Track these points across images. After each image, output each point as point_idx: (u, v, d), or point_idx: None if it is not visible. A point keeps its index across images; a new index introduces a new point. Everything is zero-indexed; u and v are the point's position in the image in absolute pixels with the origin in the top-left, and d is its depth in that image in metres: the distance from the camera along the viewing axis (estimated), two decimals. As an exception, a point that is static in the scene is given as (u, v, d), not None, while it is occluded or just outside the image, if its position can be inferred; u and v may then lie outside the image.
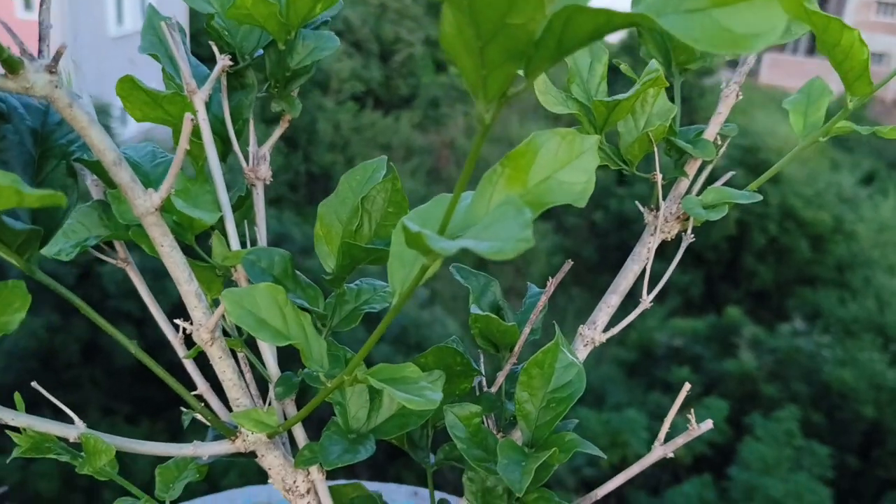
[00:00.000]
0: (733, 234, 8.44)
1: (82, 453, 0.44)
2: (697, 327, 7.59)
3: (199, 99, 0.49)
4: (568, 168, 0.40)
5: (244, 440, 0.49)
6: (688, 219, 0.53)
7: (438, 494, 0.77)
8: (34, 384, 0.45)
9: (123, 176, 0.41)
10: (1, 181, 0.31)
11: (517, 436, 0.50)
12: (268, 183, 0.56)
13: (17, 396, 0.42)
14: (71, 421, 0.44)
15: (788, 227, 8.63)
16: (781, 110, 0.53)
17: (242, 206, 0.54)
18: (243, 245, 0.52)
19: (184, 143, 0.41)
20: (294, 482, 0.51)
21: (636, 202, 0.55)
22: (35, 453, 0.43)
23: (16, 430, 0.42)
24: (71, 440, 0.43)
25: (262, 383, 0.54)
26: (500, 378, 0.54)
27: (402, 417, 0.50)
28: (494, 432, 0.52)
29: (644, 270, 0.53)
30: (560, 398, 0.48)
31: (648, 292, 0.52)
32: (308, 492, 0.52)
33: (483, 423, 0.48)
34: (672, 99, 0.54)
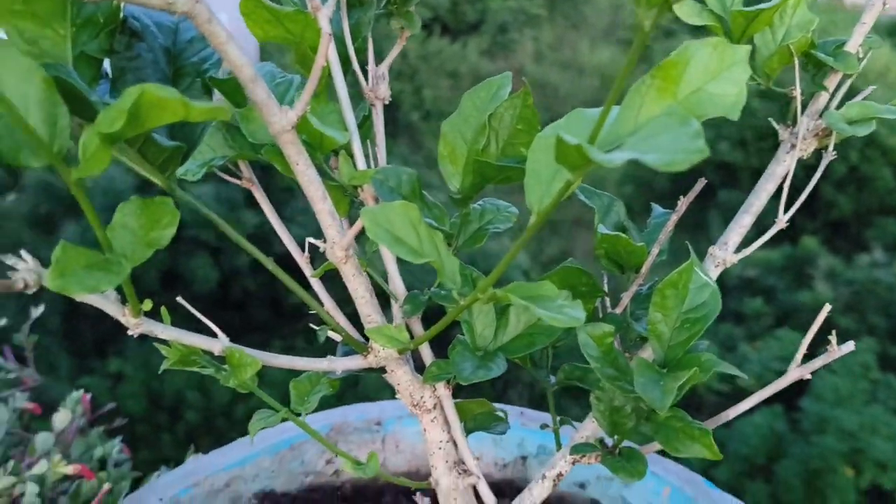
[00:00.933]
0: (810, 162, 8.13)
1: (225, 366, 0.45)
2: (772, 258, 7.41)
3: (324, 16, 0.48)
4: (719, 79, 0.38)
5: (375, 356, 0.49)
6: (827, 135, 0.50)
7: (544, 414, 0.77)
8: (179, 299, 0.46)
9: (260, 93, 0.41)
10: (169, 95, 0.31)
11: (646, 356, 0.49)
12: (386, 103, 0.56)
13: (163, 311, 0.44)
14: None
15: (871, 154, 8.28)
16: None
17: (363, 127, 0.54)
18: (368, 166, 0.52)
19: (321, 60, 0.41)
20: (422, 398, 0.52)
21: (770, 119, 0.53)
22: (182, 365, 0.44)
23: (164, 342, 0.44)
24: (216, 353, 0.44)
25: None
26: (626, 299, 0.53)
27: (528, 337, 0.50)
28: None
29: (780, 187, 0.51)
30: (694, 318, 0.47)
31: (785, 211, 0.50)
32: (434, 407, 0.52)
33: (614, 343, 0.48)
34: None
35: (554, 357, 0.59)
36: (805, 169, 0.56)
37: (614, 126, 0.38)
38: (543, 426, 0.59)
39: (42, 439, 0.81)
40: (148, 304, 0.40)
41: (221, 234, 0.51)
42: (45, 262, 0.36)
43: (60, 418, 0.83)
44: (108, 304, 0.40)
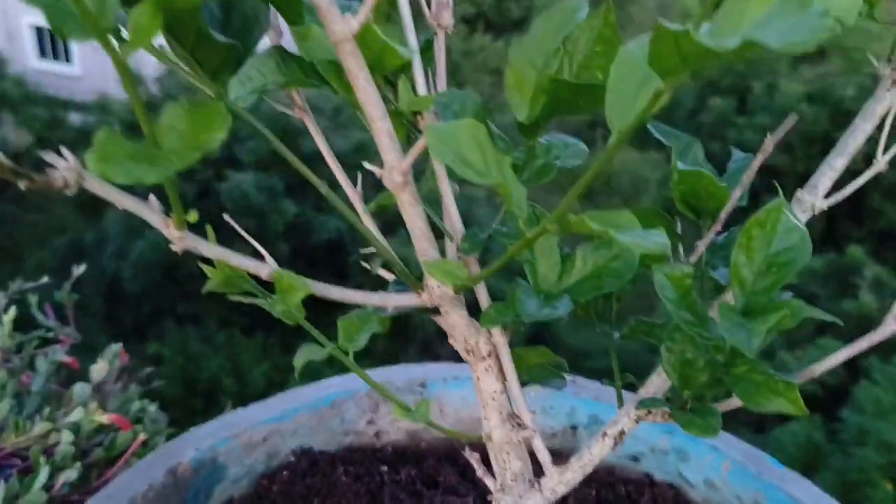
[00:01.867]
0: (860, 169, 7.96)
1: (273, 296, 0.42)
2: (814, 265, 7.26)
3: (388, -71, 0.45)
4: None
5: (430, 294, 0.46)
6: (930, 72, 0.46)
7: (596, 383, 0.74)
8: (226, 216, 0.43)
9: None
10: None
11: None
12: (449, 32, 0.52)
13: (208, 229, 0.41)
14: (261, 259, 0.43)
15: (922, 163, 8.07)
16: None
17: (425, 55, 0.51)
18: (428, 93, 0.49)
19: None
20: (476, 343, 0.48)
21: (867, 54, 0.48)
22: (225, 288, 0.41)
23: (209, 263, 0.41)
24: (263, 277, 0.41)
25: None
26: (702, 246, 0.49)
27: (596, 279, 0.46)
28: (697, 301, 0.47)
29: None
30: (781, 263, 0.43)
31: (884, 153, 0.46)
32: (489, 355, 0.49)
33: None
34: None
35: (617, 315, 0.55)
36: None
37: (714, 30, 0.34)
38: (606, 382, 0.55)
39: (79, 389, 0.79)
40: (193, 216, 0.38)
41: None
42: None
43: (98, 370, 0.81)
44: (149, 212, 0.37)
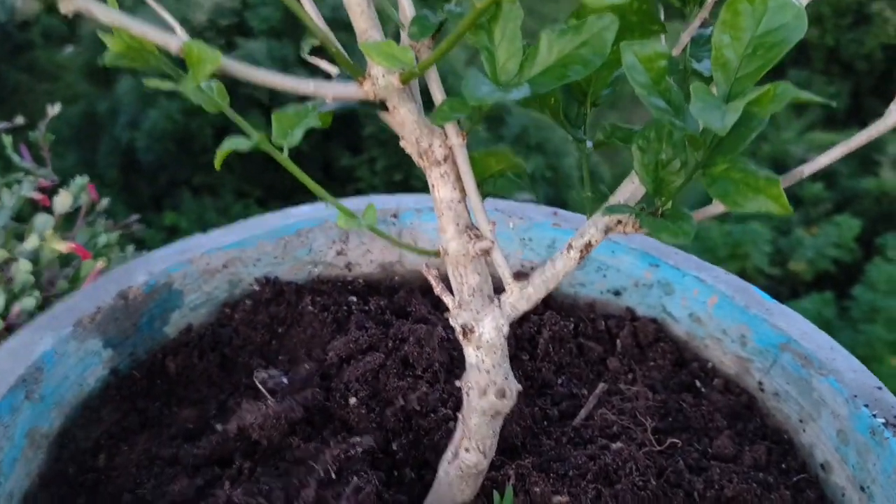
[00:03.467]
0: (891, 43, 7.64)
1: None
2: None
3: None
4: None
5: (374, 83, 0.41)
6: None
7: (579, 216, 0.69)
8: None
9: None
10: None
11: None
12: None
13: (110, -5, 0.35)
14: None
15: (957, 37, 7.73)
16: None
17: None
18: None
19: None
20: (430, 146, 0.44)
21: None
22: (129, 61, 0.36)
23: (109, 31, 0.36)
24: (172, 52, 0.36)
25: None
26: (685, 38, 0.44)
27: (560, 69, 0.41)
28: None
29: None
30: (770, 44, 0.37)
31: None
32: (445, 159, 0.44)
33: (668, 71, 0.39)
34: None
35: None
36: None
37: None
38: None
39: (41, 221, 0.75)
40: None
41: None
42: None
43: (61, 201, 0.78)
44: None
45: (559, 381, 0.60)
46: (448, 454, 0.49)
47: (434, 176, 0.45)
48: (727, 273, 0.63)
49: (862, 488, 0.51)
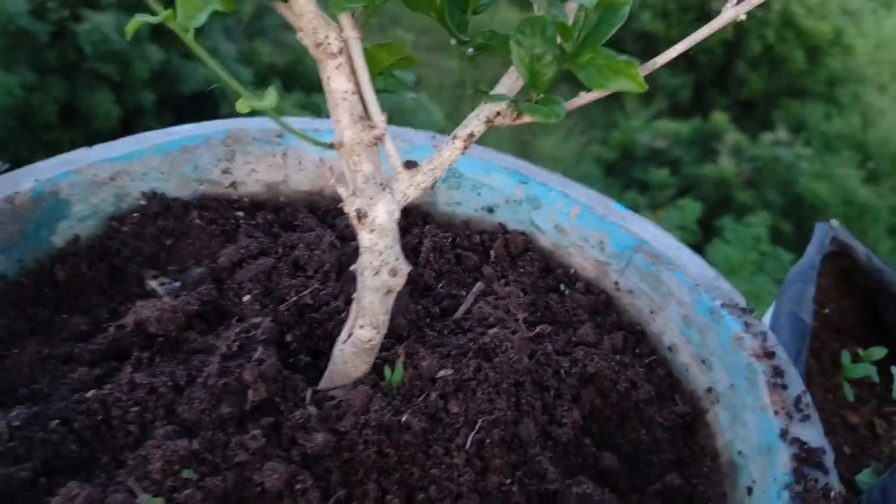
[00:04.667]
0: (730, 39, 8.19)
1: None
2: (681, 130, 7.52)
3: None
4: None
5: (275, -28, 0.44)
6: None
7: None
8: None
9: None
10: None
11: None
12: None
13: None
14: None
15: (786, 35, 8.36)
16: None
17: None
18: None
19: None
20: (326, 38, 0.47)
21: None
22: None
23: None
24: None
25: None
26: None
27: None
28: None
29: None
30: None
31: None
32: (340, 52, 0.48)
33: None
34: None
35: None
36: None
37: None
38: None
39: None
40: None
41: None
42: None
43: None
44: None
45: (440, 284, 0.65)
46: (343, 335, 0.52)
47: (329, 68, 0.48)
48: (588, 188, 0.70)
49: (703, 361, 0.59)
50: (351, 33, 0.48)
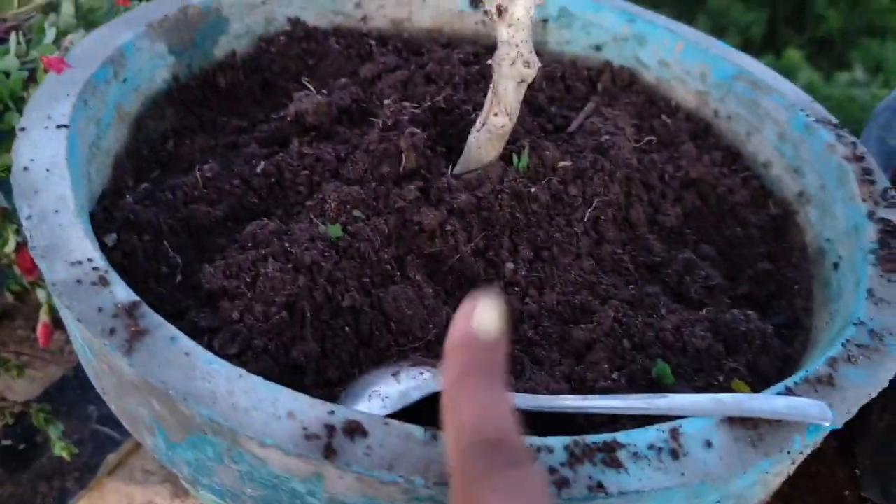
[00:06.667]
0: (807, -25, 7.90)
1: None
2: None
3: None
4: None
5: None
6: None
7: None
8: None
9: None
10: None
11: None
12: None
13: None
14: None
15: (869, -30, 8.07)
16: None
17: None
18: None
19: None
20: None
21: None
22: None
23: None
24: None
25: None
26: None
27: None
28: None
29: None
30: None
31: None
32: None
33: None
34: None
35: None
36: None
37: None
38: None
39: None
40: None
41: None
42: None
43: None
44: None
45: (552, 107, 0.72)
46: (477, 124, 0.60)
47: None
48: (691, 28, 0.75)
49: (795, 170, 0.65)
50: None
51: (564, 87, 0.75)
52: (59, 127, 0.52)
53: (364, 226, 0.52)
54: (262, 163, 0.58)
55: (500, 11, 0.57)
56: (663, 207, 0.63)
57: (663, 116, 0.74)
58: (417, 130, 0.58)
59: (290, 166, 0.57)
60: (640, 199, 0.62)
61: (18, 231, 0.68)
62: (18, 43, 0.73)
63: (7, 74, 0.73)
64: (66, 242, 0.44)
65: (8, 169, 0.61)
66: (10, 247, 0.67)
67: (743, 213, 0.64)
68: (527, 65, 0.58)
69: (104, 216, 0.53)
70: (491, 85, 0.59)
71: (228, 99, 0.69)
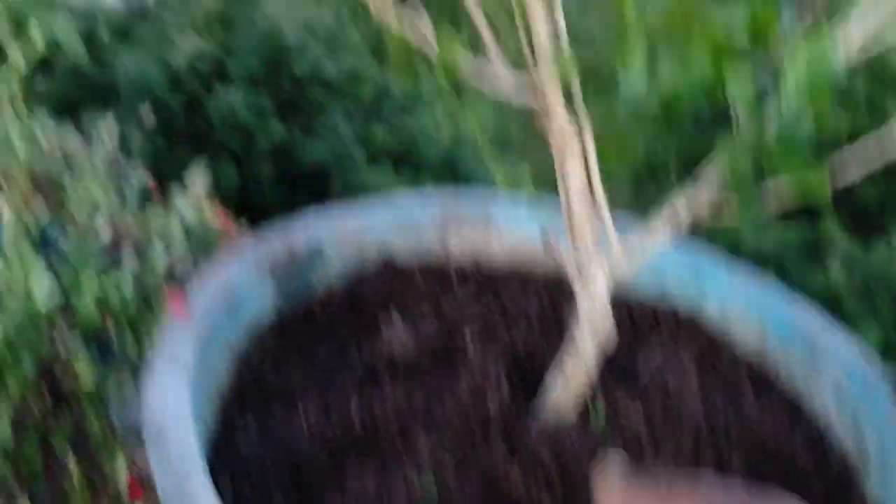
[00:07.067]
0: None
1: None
2: (788, 237, 7.47)
3: None
4: None
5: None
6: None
7: None
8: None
9: None
10: None
11: None
12: None
13: None
14: None
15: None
16: None
17: None
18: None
19: None
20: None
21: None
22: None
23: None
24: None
25: None
26: None
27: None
28: None
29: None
30: None
31: None
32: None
33: None
34: None
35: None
36: None
37: None
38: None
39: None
40: None
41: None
42: None
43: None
44: None
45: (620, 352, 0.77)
46: (556, 373, 0.65)
47: (566, 151, 0.61)
48: (755, 275, 0.81)
49: (854, 427, 0.68)
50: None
51: (631, 332, 0.80)
52: (182, 371, 0.59)
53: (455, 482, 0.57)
54: (357, 405, 0.63)
55: (583, 284, 0.63)
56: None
57: (724, 360, 0.79)
58: (504, 383, 0.64)
59: (384, 411, 0.63)
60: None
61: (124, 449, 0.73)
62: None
63: (119, 289, 0.81)
64: (192, 499, 0.49)
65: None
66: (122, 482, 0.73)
67: (804, 471, 0.67)
68: (604, 333, 0.63)
69: (218, 462, 0.58)
70: (569, 336, 0.64)
71: (323, 326, 0.76)
